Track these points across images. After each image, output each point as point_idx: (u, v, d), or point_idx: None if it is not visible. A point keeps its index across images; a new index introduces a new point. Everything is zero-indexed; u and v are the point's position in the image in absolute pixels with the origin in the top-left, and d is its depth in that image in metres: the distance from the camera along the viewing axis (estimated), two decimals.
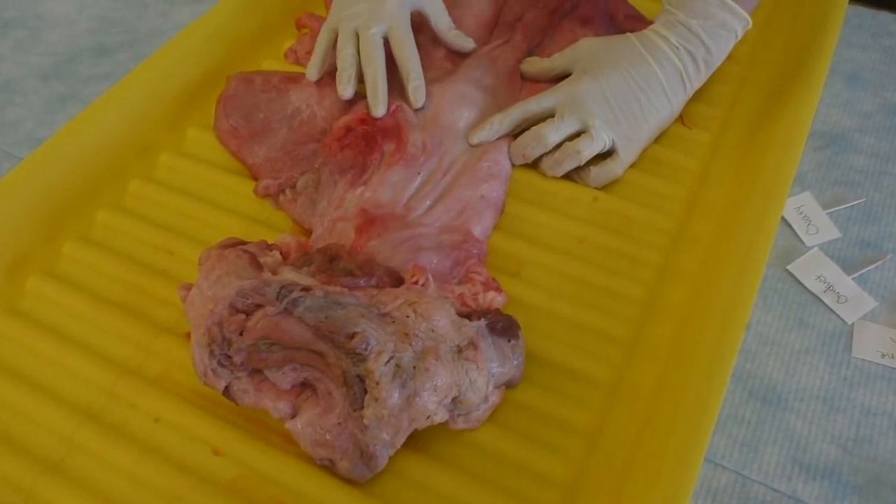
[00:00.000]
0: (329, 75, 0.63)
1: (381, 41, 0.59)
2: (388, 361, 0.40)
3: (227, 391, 0.44)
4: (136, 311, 0.52)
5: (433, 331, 0.42)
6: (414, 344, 0.41)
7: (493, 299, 0.49)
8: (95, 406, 0.48)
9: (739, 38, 0.60)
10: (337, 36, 0.61)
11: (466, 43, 0.64)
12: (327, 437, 0.41)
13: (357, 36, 0.60)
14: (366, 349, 0.40)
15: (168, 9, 1.07)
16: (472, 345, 0.43)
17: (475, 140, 0.58)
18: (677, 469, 0.41)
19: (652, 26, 0.60)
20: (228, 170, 0.61)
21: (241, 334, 0.42)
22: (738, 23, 0.59)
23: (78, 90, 0.96)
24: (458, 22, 0.65)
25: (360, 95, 0.62)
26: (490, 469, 0.45)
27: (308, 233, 0.55)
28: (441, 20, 0.64)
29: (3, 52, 1.01)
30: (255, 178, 0.59)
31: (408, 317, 0.42)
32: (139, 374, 0.49)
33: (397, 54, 0.60)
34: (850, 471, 0.60)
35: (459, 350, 0.43)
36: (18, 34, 1.03)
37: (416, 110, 0.60)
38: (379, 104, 0.57)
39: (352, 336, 0.40)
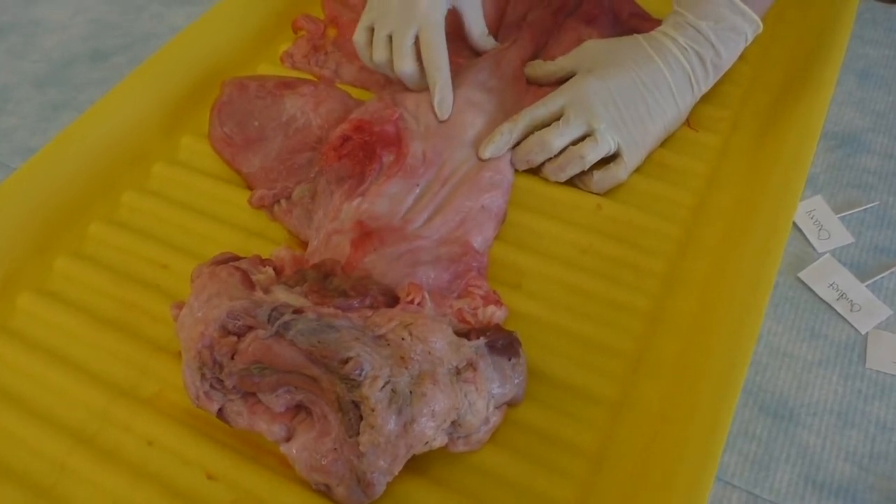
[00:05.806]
0: (324, 81, 0.62)
1: (443, 42, 0.58)
2: (383, 387, 0.39)
3: (220, 413, 0.43)
4: (129, 329, 0.51)
5: (430, 353, 0.41)
6: (410, 368, 0.40)
7: (494, 314, 0.47)
8: (89, 429, 0.46)
9: (750, 41, 0.58)
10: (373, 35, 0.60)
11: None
12: (323, 462, 0.40)
13: (391, 41, 0.59)
14: (360, 375, 0.38)
15: (163, 10, 1.05)
16: (471, 366, 0.42)
17: (487, 154, 0.56)
18: (687, 490, 0.39)
19: (660, 27, 0.58)
20: (223, 179, 0.59)
21: (232, 357, 0.41)
22: (749, 26, 0.57)
23: (72, 97, 0.94)
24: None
25: (355, 100, 0.61)
26: (492, 492, 0.43)
27: (304, 245, 0.54)
28: (476, 26, 0.63)
29: None
30: (251, 188, 0.58)
31: (403, 339, 0.41)
32: (133, 395, 0.48)
33: (425, 58, 0.58)
34: (865, 489, 0.58)
35: (458, 372, 0.41)
36: (12, 40, 1.02)
37: (418, 117, 0.58)
38: (445, 110, 0.58)
39: (345, 361, 0.39)
